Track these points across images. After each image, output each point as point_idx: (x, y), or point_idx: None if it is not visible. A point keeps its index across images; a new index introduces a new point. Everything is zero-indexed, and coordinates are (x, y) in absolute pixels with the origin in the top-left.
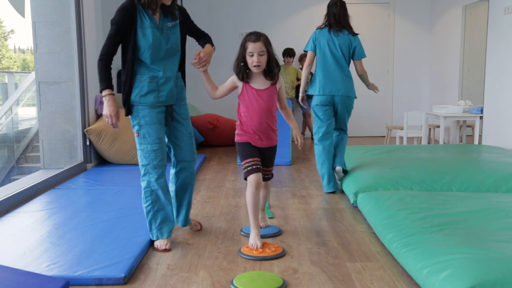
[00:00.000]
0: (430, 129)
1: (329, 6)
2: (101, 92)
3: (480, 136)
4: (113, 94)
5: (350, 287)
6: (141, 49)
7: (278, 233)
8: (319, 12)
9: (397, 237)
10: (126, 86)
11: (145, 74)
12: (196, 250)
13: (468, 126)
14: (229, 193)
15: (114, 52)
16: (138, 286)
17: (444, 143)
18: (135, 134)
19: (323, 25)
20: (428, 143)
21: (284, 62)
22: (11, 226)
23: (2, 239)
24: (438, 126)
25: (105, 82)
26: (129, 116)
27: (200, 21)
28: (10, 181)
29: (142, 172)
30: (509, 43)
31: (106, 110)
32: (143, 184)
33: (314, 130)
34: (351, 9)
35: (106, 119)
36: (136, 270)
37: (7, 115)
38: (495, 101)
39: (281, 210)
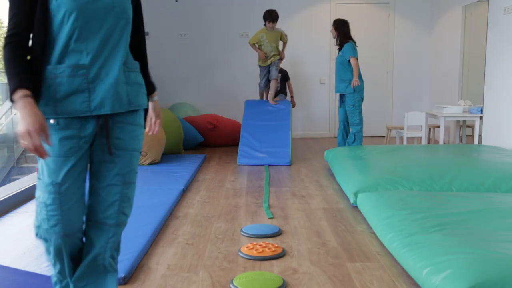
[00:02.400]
0: (430, 129)
1: (341, 25)
2: (11, 95)
3: (480, 136)
4: (31, 96)
5: (350, 287)
6: (57, 15)
7: (278, 233)
8: (319, 12)
9: (397, 237)
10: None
11: (62, 63)
12: (196, 250)
13: (468, 126)
14: (229, 193)
15: (28, 29)
16: (138, 286)
17: (444, 143)
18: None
19: (350, 40)
20: (428, 143)
21: (266, 27)
22: (11, 226)
23: (2, 239)
24: (438, 126)
25: (16, 77)
26: None
27: (200, 21)
28: (10, 181)
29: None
30: (509, 43)
31: (22, 124)
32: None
33: (357, 120)
34: (351, 9)
35: (23, 141)
36: (136, 270)
37: (7, 115)
38: (495, 101)
39: (281, 210)
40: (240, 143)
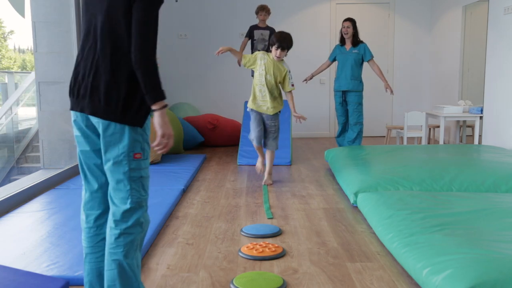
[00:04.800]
0: (430, 129)
1: (356, 25)
2: (156, 103)
3: (480, 136)
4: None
5: (350, 287)
6: None
7: (278, 233)
8: (319, 12)
9: (397, 237)
10: None
11: None
12: (196, 250)
13: (468, 126)
14: (229, 193)
15: None
16: None
17: (444, 143)
18: None
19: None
20: (428, 143)
21: (278, 56)
22: (11, 226)
23: (2, 239)
24: (438, 126)
25: (161, 89)
26: None
27: (201, 21)
28: (10, 181)
29: None
30: (509, 43)
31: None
32: None
33: (362, 119)
34: (351, 9)
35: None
36: None
37: (7, 115)
38: (495, 101)
39: (281, 210)
40: (240, 143)
